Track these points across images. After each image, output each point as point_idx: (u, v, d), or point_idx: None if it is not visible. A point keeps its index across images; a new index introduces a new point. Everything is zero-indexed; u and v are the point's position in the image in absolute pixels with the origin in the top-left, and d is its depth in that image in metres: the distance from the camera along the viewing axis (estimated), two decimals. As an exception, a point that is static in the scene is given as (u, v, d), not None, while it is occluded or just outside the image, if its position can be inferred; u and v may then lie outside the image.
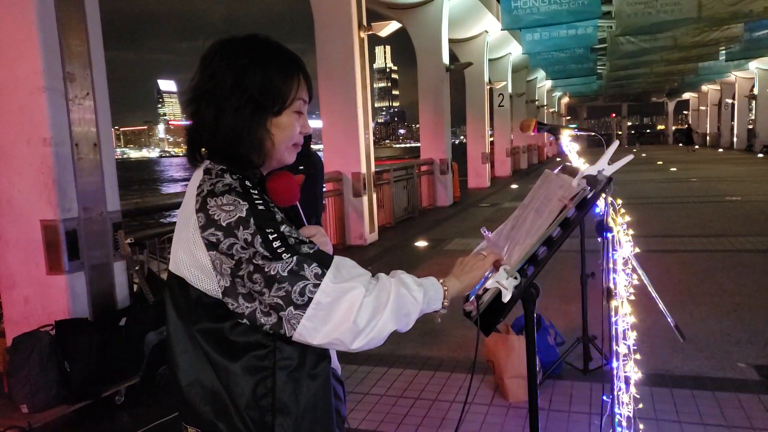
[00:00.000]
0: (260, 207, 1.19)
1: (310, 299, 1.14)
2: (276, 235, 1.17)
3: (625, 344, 2.64)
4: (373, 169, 10.06)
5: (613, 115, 64.96)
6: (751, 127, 36.11)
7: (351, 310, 1.16)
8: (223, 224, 1.17)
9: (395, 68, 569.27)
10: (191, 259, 1.23)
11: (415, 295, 1.27)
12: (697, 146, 39.40)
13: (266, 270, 1.15)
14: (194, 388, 1.25)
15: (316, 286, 1.15)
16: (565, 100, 49.74)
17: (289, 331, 1.17)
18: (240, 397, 1.22)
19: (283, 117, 1.31)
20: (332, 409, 1.34)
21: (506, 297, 1.52)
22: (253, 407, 1.22)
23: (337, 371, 1.46)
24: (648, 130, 74.50)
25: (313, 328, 1.16)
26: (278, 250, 1.16)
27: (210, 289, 1.22)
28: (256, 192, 1.22)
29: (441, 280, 1.39)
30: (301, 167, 5.10)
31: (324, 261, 1.18)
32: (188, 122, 1.33)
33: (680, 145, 40.01)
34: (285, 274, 1.15)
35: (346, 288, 1.17)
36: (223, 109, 1.25)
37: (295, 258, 1.16)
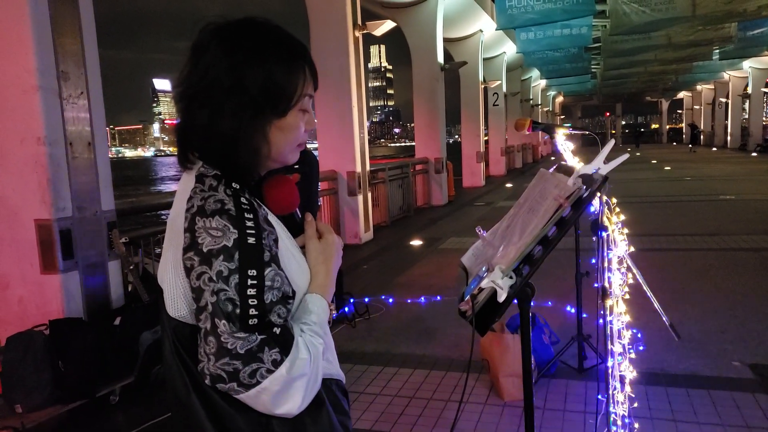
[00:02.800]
0: (250, 240, 1.07)
1: (259, 383, 1.05)
2: (255, 281, 1.06)
3: (620, 343, 2.64)
4: (368, 167, 10.06)
5: (608, 114, 65.12)
6: (744, 125, 36.25)
7: (296, 396, 1.09)
8: (204, 250, 1.06)
9: (390, 67, 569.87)
10: (174, 281, 1.15)
11: (321, 337, 1.18)
12: (690, 145, 39.36)
13: (222, 339, 1.04)
14: (196, 413, 1.15)
15: (270, 372, 1.05)
16: (560, 99, 49.82)
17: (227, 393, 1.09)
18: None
19: (289, 118, 1.18)
20: (337, 428, 1.25)
21: (501, 297, 1.52)
22: None
23: (342, 381, 1.35)
24: (642, 129, 73.34)
25: (251, 404, 1.09)
26: (249, 309, 1.05)
27: (185, 319, 1.15)
28: (250, 217, 1.09)
29: (315, 294, 1.23)
30: (297, 165, 5.11)
31: (286, 346, 1.07)
32: (177, 120, 1.21)
33: (690, 146, 38.35)
34: (242, 352, 1.04)
35: (296, 377, 1.08)
36: (218, 111, 1.12)
37: (259, 339, 1.05)
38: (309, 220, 1.30)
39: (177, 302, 1.15)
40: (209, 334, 1.06)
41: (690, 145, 37.83)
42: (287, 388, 1.07)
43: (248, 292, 1.05)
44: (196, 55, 1.16)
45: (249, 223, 1.08)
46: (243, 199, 1.11)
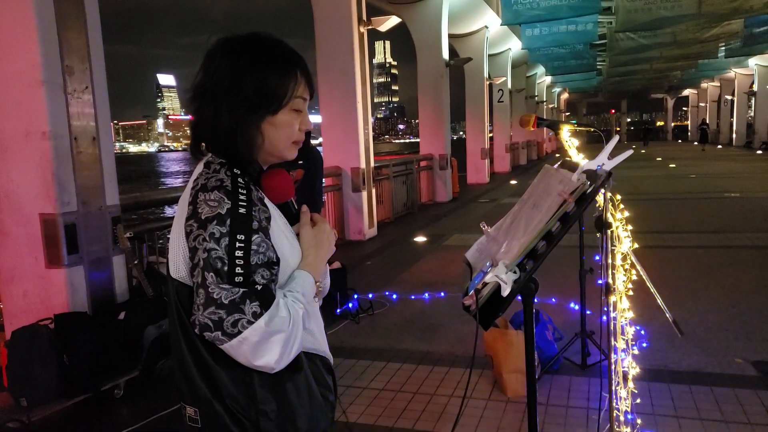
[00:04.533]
0: (241, 210, 1.23)
1: (240, 332, 1.17)
2: (243, 245, 1.21)
3: (624, 339, 2.65)
4: (372, 164, 10.05)
5: (613, 111, 64.86)
6: (750, 123, 36.08)
7: (274, 350, 1.20)
8: (202, 217, 1.22)
9: (395, 63, 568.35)
10: (175, 247, 1.30)
11: (303, 304, 1.29)
12: (696, 143, 39.11)
13: (210, 290, 1.18)
14: (188, 367, 1.29)
15: (250, 323, 1.17)
16: (565, 96, 49.71)
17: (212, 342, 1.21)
18: (223, 387, 1.27)
19: (280, 116, 1.34)
20: (317, 396, 1.37)
21: (505, 291, 1.53)
22: (234, 397, 1.27)
23: (329, 360, 1.47)
24: (649, 127, 71.46)
25: (234, 355, 1.21)
26: (235, 267, 1.19)
27: (184, 280, 1.29)
28: (244, 192, 1.25)
29: (303, 270, 1.36)
30: (301, 162, 5.11)
31: (266, 301, 1.20)
32: (190, 118, 1.38)
33: (695, 143, 37.60)
34: (226, 302, 1.17)
35: (274, 332, 1.19)
36: (220, 108, 1.29)
37: (241, 291, 1.18)
38: (304, 210, 1.45)
39: (178, 264, 1.30)
40: (200, 287, 1.20)
41: (696, 143, 37.55)
42: (265, 341, 1.19)
43: (236, 254, 1.20)
44: (207, 62, 1.34)
45: (242, 197, 1.25)
46: (240, 180, 1.28)
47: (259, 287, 1.20)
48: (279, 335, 1.20)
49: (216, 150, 1.34)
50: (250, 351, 1.19)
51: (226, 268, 1.19)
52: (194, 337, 1.25)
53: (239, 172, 1.30)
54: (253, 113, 1.31)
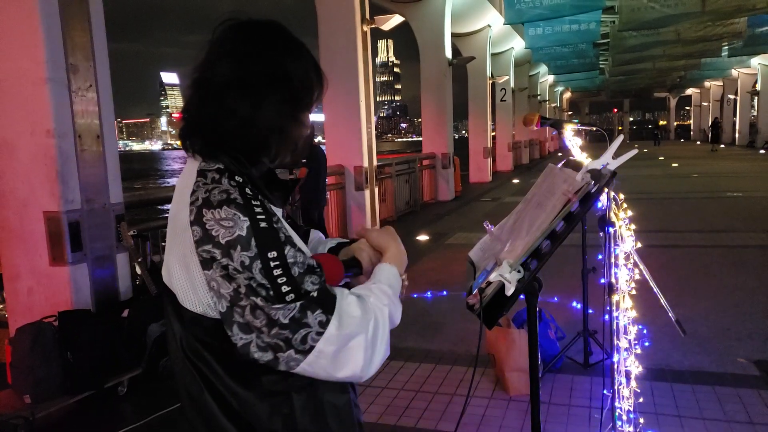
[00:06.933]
0: (262, 224, 1.06)
1: (312, 347, 1.04)
2: (278, 262, 1.05)
3: (626, 339, 2.65)
4: (375, 162, 10.05)
5: (615, 110, 64.73)
6: (753, 122, 36.00)
7: (356, 356, 1.07)
8: (222, 241, 1.04)
9: (398, 62, 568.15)
10: (186, 276, 1.11)
11: (392, 301, 1.19)
12: (699, 142, 38.86)
13: (267, 311, 1.03)
14: (208, 404, 1.15)
15: (320, 334, 1.04)
16: (567, 95, 49.63)
17: (286, 369, 1.07)
18: (257, 422, 1.13)
19: (308, 113, 1.23)
20: (356, 424, 1.26)
21: (509, 290, 1.53)
22: None
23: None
24: (658, 125, 69.49)
25: (313, 372, 1.08)
26: (280, 287, 1.04)
27: (206, 312, 1.11)
28: (258, 203, 1.09)
29: (385, 263, 1.28)
30: (304, 161, 5.13)
31: (328, 305, 1.07)
32: (194, 110, 1.18)
33: (698, 143, 36.48)
34: (286, 321, 1.03)
35: (350, 335, 1.06)
36: (262, 100, 1.13)
37: (298, 305, 1.04)
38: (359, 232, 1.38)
39: (199, 295, 1.11)
40: (255, 309, 1.04)
41: (699, 142, 37.32)
42: (343, 348, 1.06)
43: (275, 273, 1.04)
44: (224, 47, 1.16)
45: (258, 209, 1.08)
46: (248, 189, 1.11)
47: (315, 294, 1.06)
48: (357, 338, 1.07)
49: (234, 148, 1.15)
50: (329, 364, 1.06)
51: (272, 293, 1.03)
52: (220, 376, 1.11)
53: (242, 180, 1.12)
54: (298, 110, 1.18)
